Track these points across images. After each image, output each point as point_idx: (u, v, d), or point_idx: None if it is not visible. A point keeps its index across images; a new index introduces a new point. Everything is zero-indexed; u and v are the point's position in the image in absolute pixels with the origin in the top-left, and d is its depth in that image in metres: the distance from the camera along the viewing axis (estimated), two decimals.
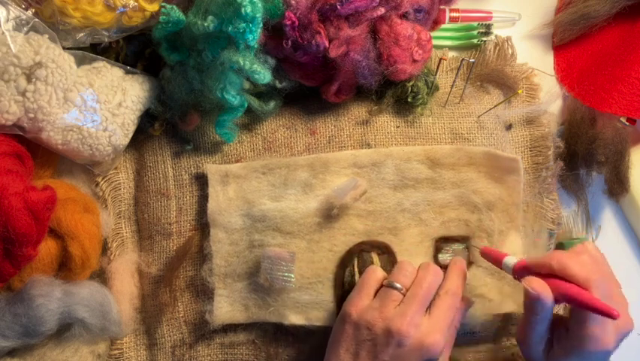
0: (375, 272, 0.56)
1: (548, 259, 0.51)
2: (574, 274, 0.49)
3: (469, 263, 0.60)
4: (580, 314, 0.50)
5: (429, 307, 0.53)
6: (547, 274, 0.51)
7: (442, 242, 0.61)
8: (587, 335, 0.49)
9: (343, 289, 0.59)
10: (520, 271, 0.53)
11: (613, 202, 0.71)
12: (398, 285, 0.53)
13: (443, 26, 0.68)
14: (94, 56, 0.60)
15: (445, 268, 0.60)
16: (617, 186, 0.66)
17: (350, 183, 0.60)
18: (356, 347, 0.52)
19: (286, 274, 0.58)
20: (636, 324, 0.68)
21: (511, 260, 0.54)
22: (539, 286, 0.50)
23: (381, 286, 0.55)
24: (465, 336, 0.63)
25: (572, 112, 0.68)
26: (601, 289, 0.49)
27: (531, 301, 0.50)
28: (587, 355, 0.50)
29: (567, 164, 0.67)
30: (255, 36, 0.54)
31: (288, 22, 0.55)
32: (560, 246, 0.68)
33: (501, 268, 0.55)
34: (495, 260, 0.56)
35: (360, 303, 0.54)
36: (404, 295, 0.53)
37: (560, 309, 0.62)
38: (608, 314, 0.46)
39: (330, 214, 0.60)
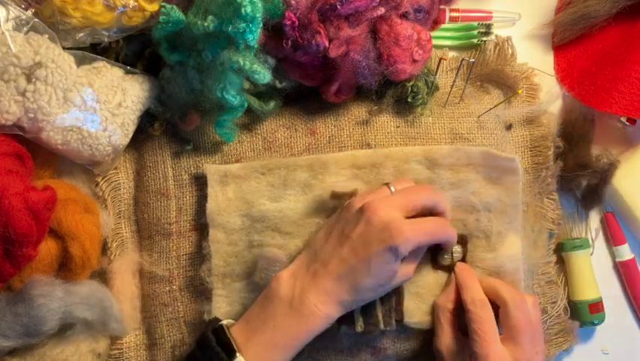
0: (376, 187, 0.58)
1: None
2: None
3: (467, 263, 0.60)
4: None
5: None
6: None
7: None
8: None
9: None
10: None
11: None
12: (392, 187, 0.56)
13: (443, 26, 0.68)
14: (94, 56, 0.60)
15: (443, 268, 0.60)
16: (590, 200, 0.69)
17: None
18: (332, 228, 0.55)
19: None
20: (638, 319, 0.69)
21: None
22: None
23: None
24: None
25: (569, 112, 0.68)
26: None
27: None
28: None
29: (566, 165, 0.67)
30: (255, 36, 0.54)
31: (288, 22, 0.55)
32: (560, 246, 0.68)
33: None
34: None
35: (356, 199, 0.56)
36: None
37: None
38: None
39: (326, 208, 0.60)
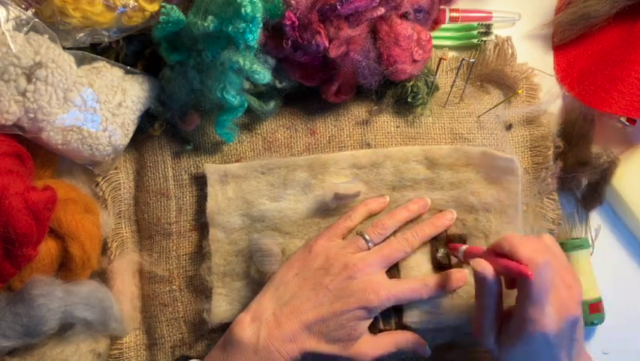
0: (350, 219, 0.59)
1: (501, 240, 0.52)
2: (520, 256, 0.50)
3: (466, 264, 0.60)
4: (520, 298, 0.50)
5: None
6: (497, 255, 0.52)
7: (439, 242, 0.61)
8: (525, 318, 0.49)
9: None
10: (470, 254, 0.56)
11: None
12: (367, 236, 0.57)
13: (443, 26, 0.68)
14: (94, 56, 0.60)
15: (443, 267, 0.60)
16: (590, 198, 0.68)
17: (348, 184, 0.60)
18: (306, 273, 0.56)
19: (274, 267, 0.59)
20: (637, 319, 0.69)
21: (462, 248, 0.57)
22: (485, 266, 0.51)
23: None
24: (464, 336, 0.63)
25: (569, 112, 0.68)
26: (543, 272, 0.49)
27: (477, 282, 0.53)
28: (528, 339, 0.49)
29: (566, 164, 0.67)
30: (255, 36, 0.54)
31: (288, 22, 0.55)
32: (560, 246, 0.68)
33: (458, 259, 0.58)
34: (454, 251, 0.59)
35: (327, 239, 0.57)
36: (369, 249, 0.57)
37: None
38: (521, 274, 0.48)
39: (327, 208, 0.60)
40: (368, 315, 0.54)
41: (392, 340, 0.57)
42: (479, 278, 0.51)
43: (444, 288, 0.58)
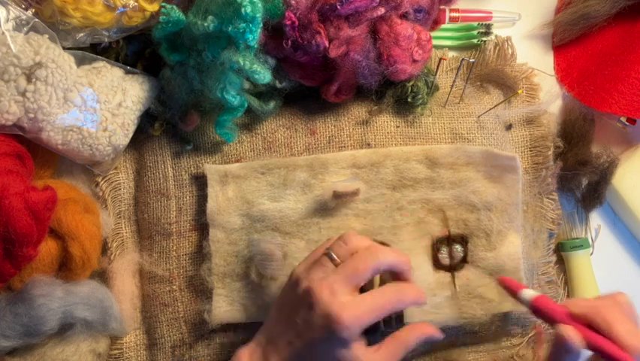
0: (325, 244, 0.53)
1: (593, 313, 0.48)
2: (620, 340, 0.46)
3: (467, 263, 0.60)
4: None
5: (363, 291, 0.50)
6: (573, 317, 0.49)
7: (440, 242, 0.61)
8: None
9: None
10: (539, 308, 0.50)
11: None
12: (333, 255, 0.51)
13: (443, 26, 0.68)
14: (94, 56, 0.60)
15: (444, 268, 0.60)
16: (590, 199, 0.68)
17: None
18: (284, 306, 0.52)
19: (276, 272, 0.59)
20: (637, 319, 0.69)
21: (528, 294, 0.51)
22: (577, 340, 0.47)
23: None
24: (464, 336, 0.63)
25: (569, 112, 0.68)
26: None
27: (561, 350, 0.48)
28: None
29: (566, 164, 0.67)
30: (255, 36, 0.54)
31: (288, 22, 0.55)
32: (560, 246, 0.68)
33: (516, 299, 0.52)
34: (511, 291, 0.53)
35: (304, 265, 0.52)
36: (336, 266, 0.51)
37: None
38: None
39: (327, 207, 0.60)
40: (342, 344, 0.48)
41: (399, 345, 0.51)
42: (564, 348, 0.47)
43: (419, 295, 0.52)
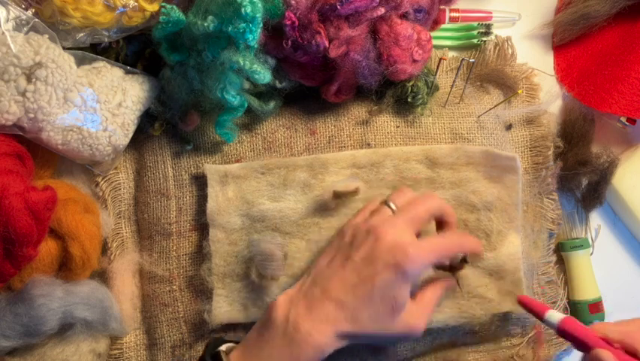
0: (376, 200, 0.56)
1: (631, 339, 0.48)
2: None
3: (467, 263, 0.60)
4: None
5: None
6: (607, 341, 0.48)
7: None
8: None
9: None
10: (569, 332, 0.50)
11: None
12: (392, 204, 0.54)
13: (443, 26, 0.68)
14: (94, 56, 0.60)
15: (444, 268, 0.60)
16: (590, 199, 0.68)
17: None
18: (335, 253, 0.53)
19: (276, 272, 0.58)
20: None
21: (554, 316, 0.50)
22: (609, 358, 0.47)
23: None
24: (464, 336, 0.63)
25: (569, 112, 0.68)
26: None
27: None
28: None
29: (566, 164, 0.67)
30: (255, 36, 0.54)
31: (288, 22, 0.55)
32: (560, 246, 0.68)
33: (541, 321, 0.52)
34: (535, 313, 0.52)
35: (357, 219, 0.54)
36: None
37: None
38: None
39: (327, 207, 0.60)
40: (404, 279, 0.49)
41: (435, 294, 0.53)
42: None
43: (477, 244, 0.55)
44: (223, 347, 0.52)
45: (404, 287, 0.50)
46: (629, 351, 0.48)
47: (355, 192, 0.59)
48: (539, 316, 0.52)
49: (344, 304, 0.50)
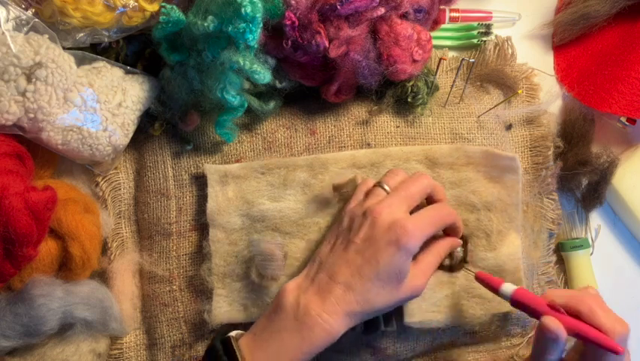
0: (367, 181, 0.58)
1: (576, 302, 0.50)
2: (602, 325, 0.49)
3: (467, 263, 0.60)
4: (596, 353, 0.49)
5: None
6: (553, 307, 0.50)
7: None
8: None
9: None
10: (520, 301, 0.52)
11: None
12: (385, 186, 0.55)
13: (443, 26, 0.68)
14: (94, 56, 0.60)
15: (444, 268, 0.60)
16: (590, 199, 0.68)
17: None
18: (335, 239, 0.54)
19: (277, 272, 0.59)
20: (636, 318, 0.69)
21: (508, 288, 0.53)
22: (560, 329, 0.49)
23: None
24: (464, 336, 0.63)
25: (569, 112, 0.69)
26: (623, 344, 0.49)
27: (546, 340, 0.49)
28: None
29: (566, 164, 0.67)
30: (255, 36, 0.54)
31: (288, 22, 0.55)
32: (560, 246, 0.68)
33: (497, 295, 0.54)
34: (490, 287, 0.55)
35: (352, 204, 0.56)
36: None
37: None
38: (611, 348, 0.47)
39: (327, 206, 0.60)
40: (406, 254, 0.51)
41: (434, 256, 0.55)
42: (550, 337, 0.49)
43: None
44: (232, 333, 0.53)
45: (407, 260, 0.52)
46: (572, 313, 0.50)
47: (353, 180, 0.59)
48: (494, 289, 0.54)
49: (352, 286, 0.51)
